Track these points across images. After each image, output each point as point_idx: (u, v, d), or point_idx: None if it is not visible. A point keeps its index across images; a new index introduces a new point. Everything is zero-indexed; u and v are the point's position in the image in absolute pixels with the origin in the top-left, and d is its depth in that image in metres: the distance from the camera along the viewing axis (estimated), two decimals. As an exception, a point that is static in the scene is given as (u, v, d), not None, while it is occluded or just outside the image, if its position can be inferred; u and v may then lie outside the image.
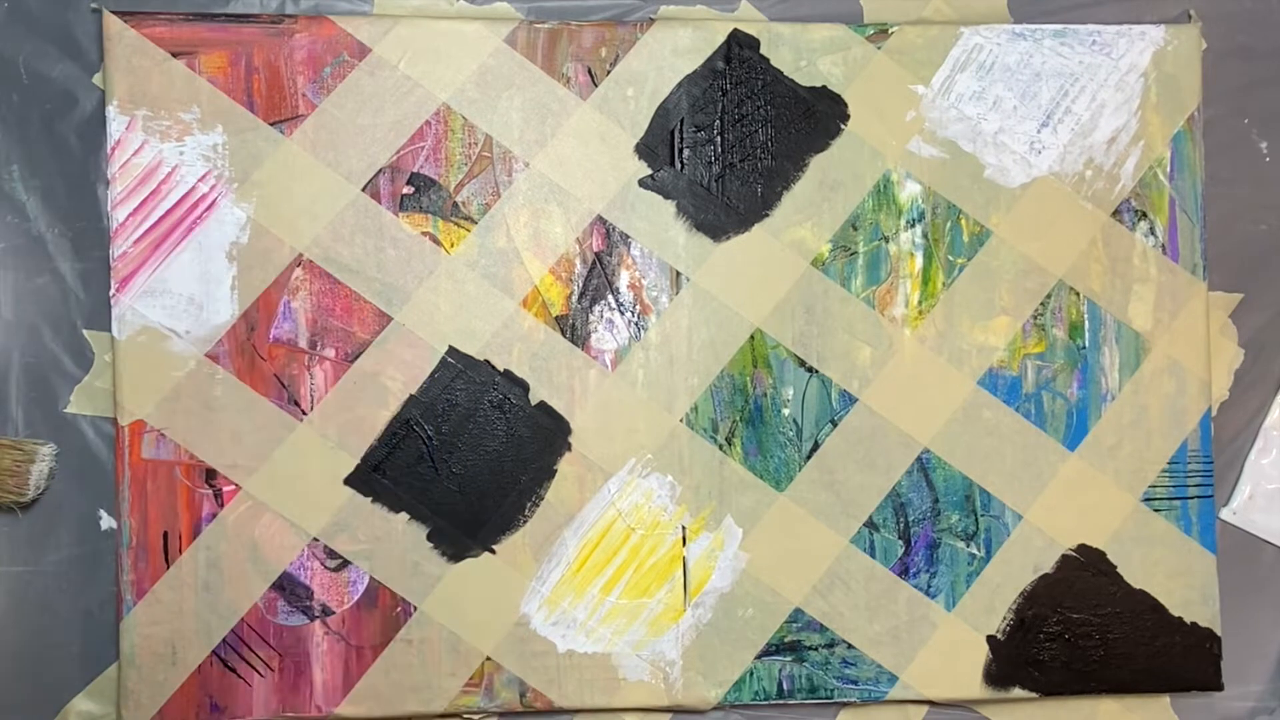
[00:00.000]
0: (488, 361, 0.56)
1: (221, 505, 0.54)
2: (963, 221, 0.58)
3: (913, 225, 0.57)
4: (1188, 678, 0.57)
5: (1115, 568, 0.57)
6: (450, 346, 0.56)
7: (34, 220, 0.55)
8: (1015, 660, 0.57)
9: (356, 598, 0.55)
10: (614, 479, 0.56)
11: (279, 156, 0.55)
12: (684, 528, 0.56)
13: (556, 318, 0.56)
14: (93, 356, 0.55)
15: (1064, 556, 0.57)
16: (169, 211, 0.55)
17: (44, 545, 0.55)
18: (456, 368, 0.55)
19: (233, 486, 0.54)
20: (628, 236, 0.56)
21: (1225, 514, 0.59)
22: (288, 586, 0.55)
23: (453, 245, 0.56)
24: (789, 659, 0.56)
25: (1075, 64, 0.58)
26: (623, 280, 0.56)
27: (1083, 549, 0.57)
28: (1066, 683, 0.57)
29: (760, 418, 0.57)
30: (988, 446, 0.57)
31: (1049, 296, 0.58)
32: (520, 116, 0.56)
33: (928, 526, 0.57)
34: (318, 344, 0.55)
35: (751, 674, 0.56)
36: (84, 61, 0.56)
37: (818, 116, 0.57)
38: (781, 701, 0.56)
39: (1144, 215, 0.58)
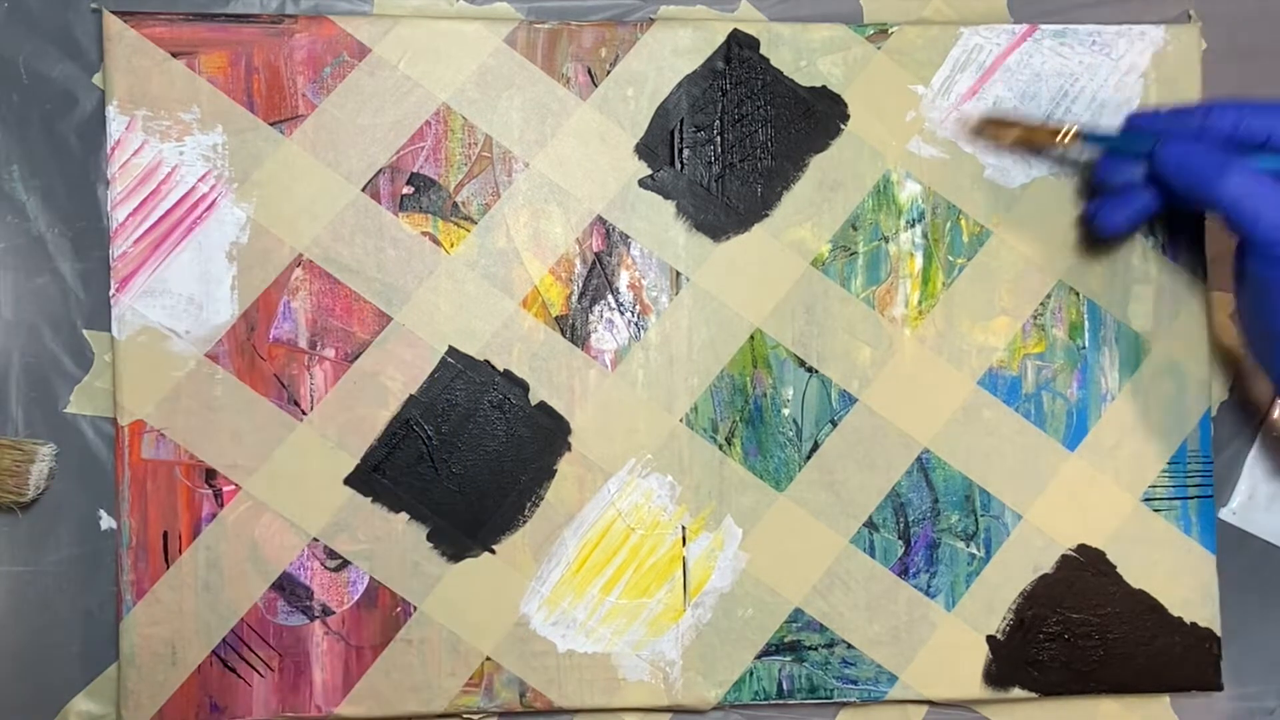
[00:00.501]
0: (488, 361, 0.56)
1: (221, 505, 0.54)
2: (963, 221, 0.58)
3: (913, 225, 0.57)
4: (1188, 678, 0.57)
5: (1115, 568, 0.57)
6: (450, 346, 0.56)
7: (34, 220, 0.55)
8: (1015, 660, 0.57)
9: (356, 598, 0.55)
10: (614, 479, 0.56)
11: (279, 156, 0.55)
12: (684, 528, 0.56)
13: (556, 318, 0.56)
14: (93, 356, 0.55)
15: (1064, 556, 0.57)
16: (169, 211, 0.55)
17: (44, 545, 0.55)
18: (456, 368, 0.56)
19: (233, 486, 0.54)
20: (628, 236, 0.56)
21: (1225, 514, 0.59)
22: (288, 586, 0.55)
23: (453, 245, 0.56)
24: (789, 659, 0.56)
25: (1075, 64, 0.58)
26: (623, 280, 0.56)
27: (1082, 549, 0.57)
28: (1066, 683, 0.57)
29: (760, 418, 0.57)
30: (988, 446, 0.57)
31: (1049, 296, 0.58)
32: (520, 116, 0.56)
33: (927, 526, 0.57)
34: (318, 344, 0.55)
35: (751, 674, 0.56)
36: (84, 61, 0.56)
37: (818, 116, 0.57)
38: (781, 701, 0.56)
39: (1144, 215, 0.58)
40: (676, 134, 0.57)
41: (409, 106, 0.56)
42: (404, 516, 0.55)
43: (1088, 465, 0.58)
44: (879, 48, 0.57)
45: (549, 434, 0.56)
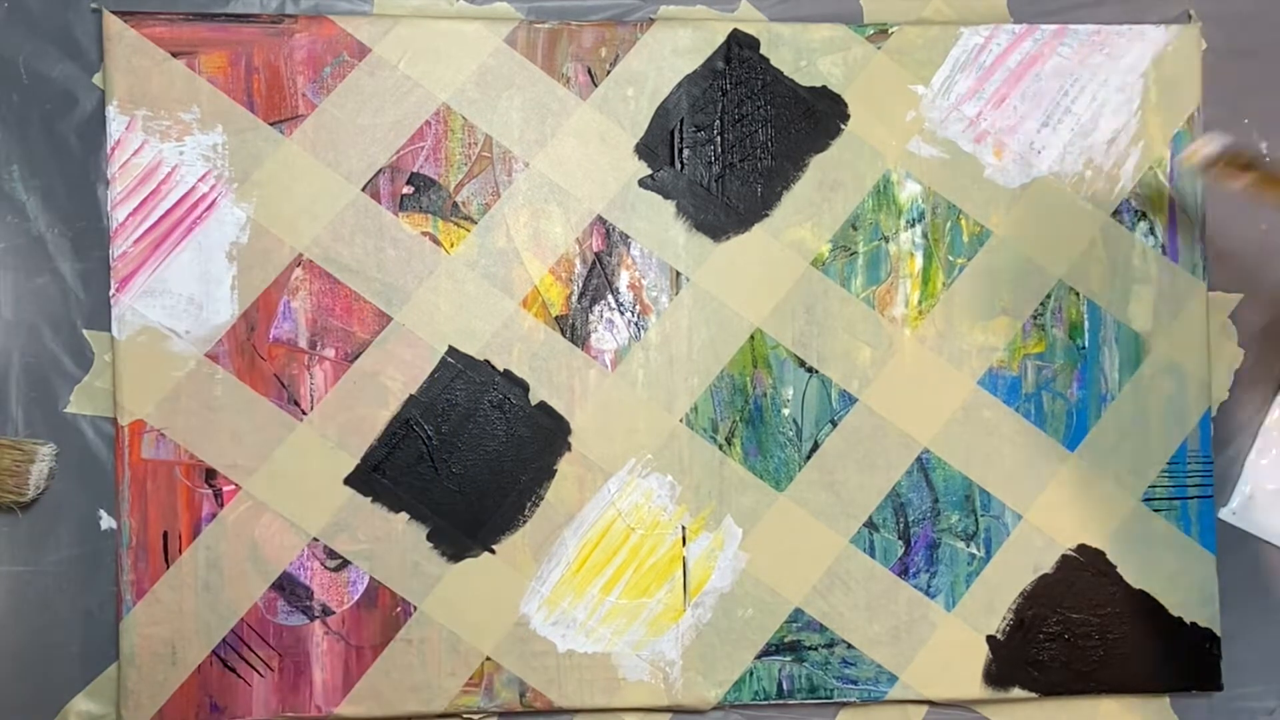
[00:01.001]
0: (488, 361, 0.56)
1: (221, 505, 0.54)
2: (963, 221, 0.58)
3: (913, 225, 0.57)
4: (1188, 678, 0.57)
5: (1115, 568, 0.57)
6: (450, 346, 0.56)
7: (34, 220, 0.55)
8: (1015, 660, 0.57)
9: (356, 598, 0.55)
10: (614, 479, 0.56)
11: (279, 156, 0.55)
12: (684, 528, 0.56)
13: (556, 318, 0.56)
14: (93, 356, 0.55)
15: (1063, 556, 0.57)
16: (169, 211, 0.55)
17: (44, 545, 0.55)
18: (456, 368, 0.56)
19: (233, 486, 0.54)
20: (628, 236, 0.56)
21: (1225, 514, 0.59)
22: (288, 586, 0.55)
23: (453, 245, 0.56)
24: (789, 659, 0.56)
25: (1075, 64, 0.58)
26: (623, 280, 0.56)
27: (1082, 549, 0.57)
28: (1066, 683, 0.57)
29: (760, 418, 0.57)
30: (988, 446, 0.57)
31: (1049, 296, 0.58)
32: (520, 116, 0.56)
33: (927, 526, 0.57)
34: (318, 344, 0.55)
35: (751, 674, 0.56)
36: (84, 61, 0.56)
37: (818, 116, 0.57)
38: (781, 701, 0.56)
39: (1144, 215, 0.58)
40: (676, 134, 0.57)
41: (409, 106, 0.56)
42: (404, 516, 0.55)
43: (1088, 465, 0.58)
44: (879, 48, 0.57)
45: (549, 434, 0.56)
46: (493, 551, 0.55)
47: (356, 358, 0.55)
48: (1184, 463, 0.58)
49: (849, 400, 0.57)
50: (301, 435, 0.55)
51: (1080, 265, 0.58)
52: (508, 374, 0.56)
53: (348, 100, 0.55)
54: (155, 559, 0.54)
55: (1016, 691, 0.57)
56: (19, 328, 0.55)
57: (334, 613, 0.55)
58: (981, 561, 0.57)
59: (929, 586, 0.57)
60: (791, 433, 0.57)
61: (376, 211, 0.55)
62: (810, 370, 0.57)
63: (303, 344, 0.55)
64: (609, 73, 0.56)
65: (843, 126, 0.57)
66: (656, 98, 0.57)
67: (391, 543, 0.55)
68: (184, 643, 0.54)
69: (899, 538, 0.57)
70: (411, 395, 0.55)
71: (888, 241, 0.57)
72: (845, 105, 0.57)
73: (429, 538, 0.55)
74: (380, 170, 0.56)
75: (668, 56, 0.57)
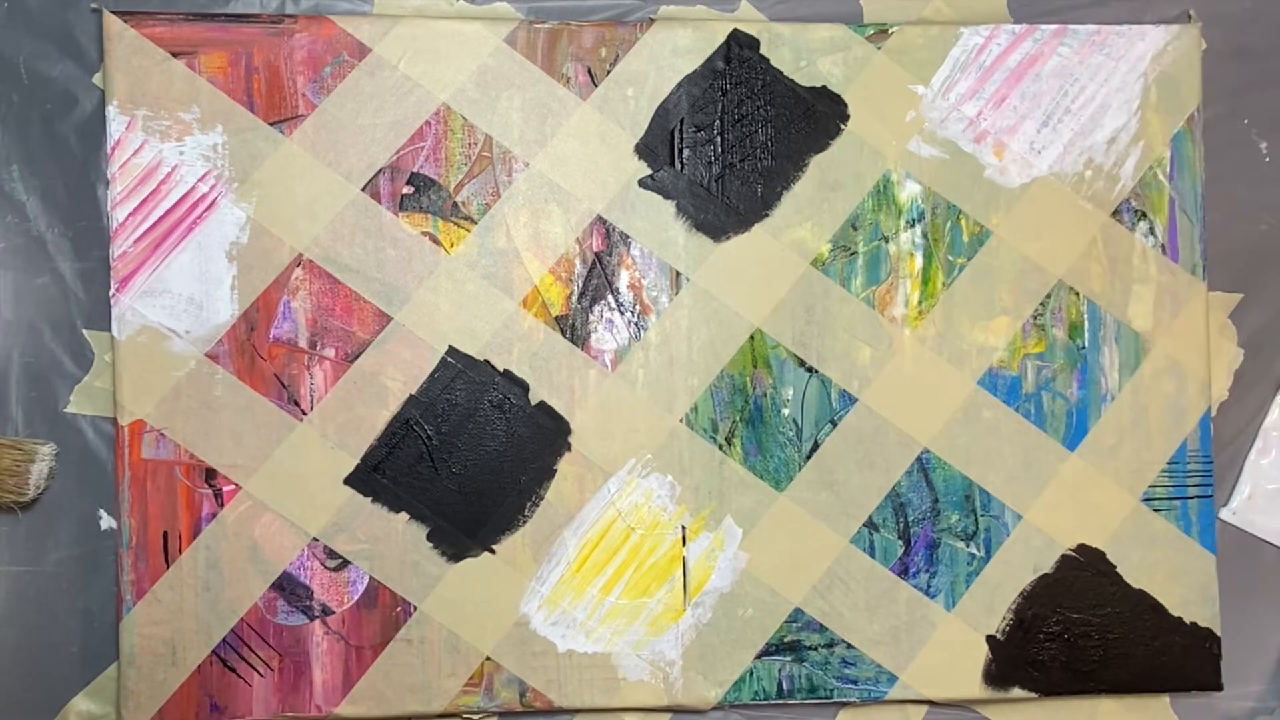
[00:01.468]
0: (488, 361, 0.56)
1: (221, 505, 0.54)
2: (963, 221, 0.58)
3: (913, 225, 0.57)
4: (1188, 678, 0.57)
5: (1115, 568, 0.57)
6: (450, 346, 0.56)
7: (34, 220, 0.55)
8: (1015, 660, 0.57)
9: (356, 598, 0.55)
10: (614, 479, 0.56)
11: (279, 156, 0.55)
12: (684, 528, 0.56)
13: (556, 318, 0.56)
14: (93, 356, 0.55)
15: (1064, 556, 0.57)
16: (169, 211, 0.55)
17: (44, 545, 0.55)
18: (456, 368, 0.56)
19: (233, 486, 0.54)
20: (628, 236, 0.56)
21: (1225, 514, 0.59)
22: (288, 586, 0.55)
23: (453, 245, 0.56)
24: (789, 659, 0.56)
25: (1075, 64, 0.58)
26: (623, 280, 0.56)
27: (1082, 549, 0.57)
28: (1066, 683, 0.57)
29: (760, 418, 0.57)
30: (988, 446, 0.57)
31: (1049, 296, 0.58)
32: (520, 116, 0.56)
33: (927, 526, 0.57)
34: (318, 344, 0.55)
35: (751, 674, 0.56)
36: (84, 61, 0.56)
37: (818, 116, 0.57)
38: (781, 701, 0.56)
39: (1144, 215, 0.58)
40: (676, 134, 0.57)
41: (409, 106, 0.56)
42: (404, 516, 0.55)
43: (1088, 465, 0.58)
44: (879, 48, 0.57)
45: (549, 434, 0.56)
46: (493, 551, 0.55)
47: (356, 358, 0.55)
48: (1184, 463, 0.58)
49: (849, 400, 0.57)
50: (301, 435, 0.55)
51: (1080, 265, 0.58)
52: (508, 374, 0.56)
53: (348, 100, 0.55)
54: (155, 559, 0.54)
55: (1016, 691, 0.57)
56: (19, 328, 0.55)
57: (334, 613, 0.55)
58: (981, 561, 0.57)
59: (929, 586, 0.57)
60: (791, 433, 0.57)
61: (376, 211, 0.55)
62: (810, 370, 0.57)
63: (303, 344, 0.55)
64: (609, 73, 0.56)
65: (843, 126, 0.57)
66: (656, 98, 0.57)
67: (391, 543, 0.55)
68: (184, 643, 0.54)
69: (899, 538, 0.57)
70: (411, 395, 0.55)
71: (888, 241, 0.57)
72: (845, 105, 0.57)
73: (429, 538, 0.55)
74: (380, 170, 0.56)
75: (668, 56, 0.57)
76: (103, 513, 0.55)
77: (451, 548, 0.55)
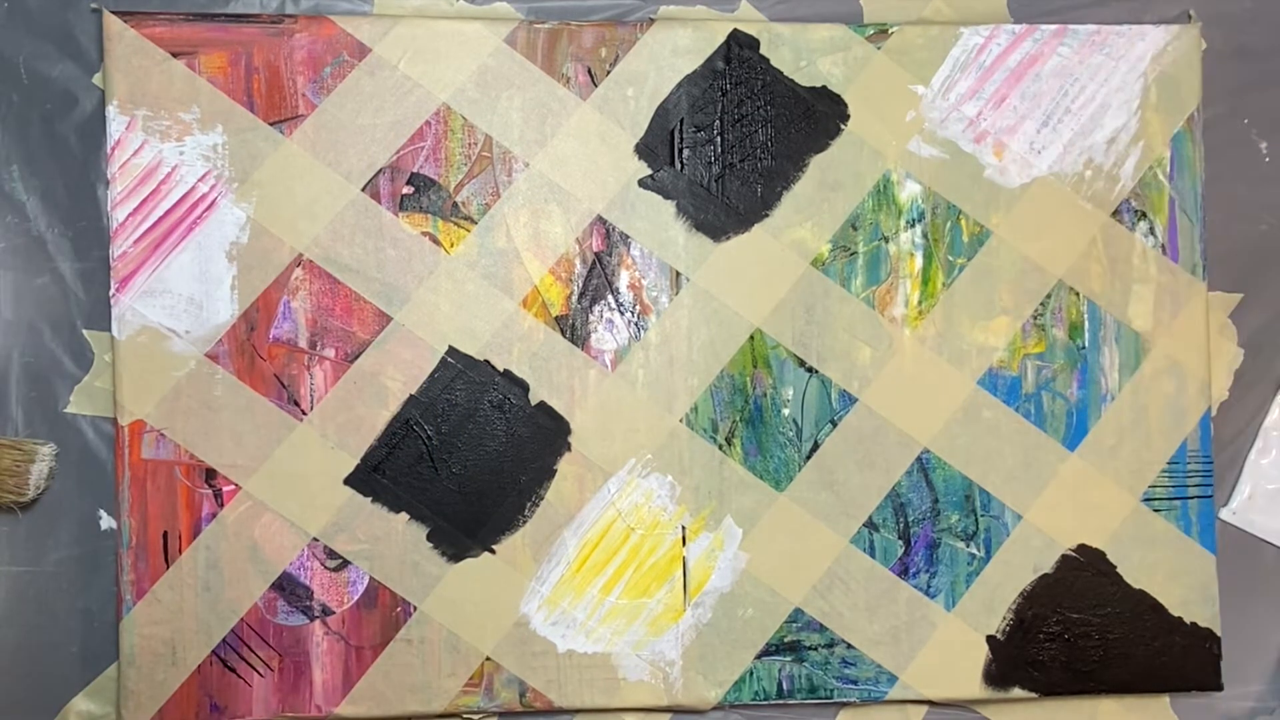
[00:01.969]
0: (488, 361, 0.56)
1: (221, 505, 0.54)
2: (963, 221, 0.58)
3: (913, 225, 0.57)
4: (1188, 678, 0.57)
5: (1115, 568, 0.57)
6: (450, 346, 0.56)
7: (34, 220, 0.55)
8: (1015, 660, 0.57)
9: (356, 598, 0.55)
10: (614, 479, 0.56)
11: (279, 156, 0.55)
12: (684, 528, 0.56)
13: (556, 318, 0.56)
14: (93, 356, 0.55)
15: (1064, 556, 0.57)
16: (169, 211, 0.55)
17: (44, 545, 0.55)
18: (456, 368, 0.56)
19: (233, 486, 0.54)
20: (628, 236, 0.56)
21: (1225, 514, 0.59)
22: (288, 586, 0.55)
23: (453, 245, 0.56)
24: (789, 659, 0.56)
25: (1075, 64, 0.58)
26: (623, 280, 0.56)
27: (1082, 549, 0.57)
28: (1066, 683, 0.57)
29: (760, 418, 0.57)
30: (988, 446, 0.57)
31: (1049, 296, 0.58)
32: (520, 116, 0.56)
33: (927, 526, 0.57)
34: (318, 344, 0.55)
35: (751, 674, 0.56)
36: (84, 61, 0.56)
37: (818, 116, 0.57)
38: (781, 701, 0.56)
39: (1144, 215, 0.58)
40: (676, 134, 0.57)
41: (409, 106, 0.56)
42: (404, 516, 0.55)
43: (1088, 465, 0.58)
44: (879, 48, 0.57)
45: (549, 434, 0.56)
46: (493, 551, 0.55)
47: (356, 358, 0.55)
48: (1184, 463, 0.58)
49: (849, 400, 0.57)
50: (301, 435, 0.55)
51: (1080, 265, 0.58)
52: (508, 374, 0.56)
53: (348, 100, 0.55)
54: (155, 559, 0.54)
55: (1016, 691, 0.57)
56: (19, 328, 0.55)
57: (334, 613, 0.55)
58: (981, 561, 0.57)
59: (929, 586, 0.57)
60: (791, 433, 0.57)
61: (376, 211, 0.55)
62: (810, 370, 0.57)
63: (303, 344, 0.55)
64: (609, 73, 0.56)
65: (843, 126, 0.57)
66: (656, 98, 0.57)
67: (391, 543, 0.55)
68: (184, 643, 0.54)
69: (899, 538, 0.57)
70: (411, 395, 0.55)
71: (888, 241, 0.57)
72: (845, 105, 0.57)
73: (429, 538, 0.55)
74: (380, 170, 0.56)
75: (668, 56, 0.57)
76: (103, 513, 0.55)
77: (451, 548, 0.55)
